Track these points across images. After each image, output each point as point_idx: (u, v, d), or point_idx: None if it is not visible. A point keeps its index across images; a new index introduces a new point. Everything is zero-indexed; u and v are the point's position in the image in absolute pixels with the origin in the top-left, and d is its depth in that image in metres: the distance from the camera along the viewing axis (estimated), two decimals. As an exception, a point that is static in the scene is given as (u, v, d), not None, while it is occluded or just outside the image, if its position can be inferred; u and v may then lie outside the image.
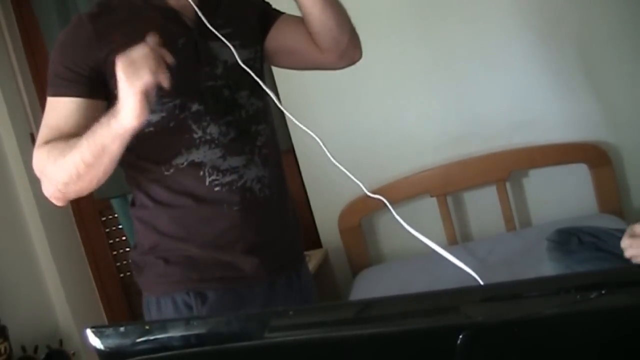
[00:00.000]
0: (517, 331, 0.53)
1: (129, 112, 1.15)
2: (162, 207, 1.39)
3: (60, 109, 1.31)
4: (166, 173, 1.36)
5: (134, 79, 1.13)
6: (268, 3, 1.55)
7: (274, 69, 2.56)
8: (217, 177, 1.36)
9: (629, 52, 2.46)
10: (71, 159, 1.23)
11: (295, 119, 1.23)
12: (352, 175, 1.11)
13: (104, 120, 1.21)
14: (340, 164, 1.12)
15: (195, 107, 1.34)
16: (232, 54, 1.33)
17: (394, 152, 2.63)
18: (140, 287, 1.47)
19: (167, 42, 1.32)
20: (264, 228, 1.42)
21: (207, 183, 1.36)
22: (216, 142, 1.36)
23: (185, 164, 1.35)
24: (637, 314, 0.52)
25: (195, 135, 1.35)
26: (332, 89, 2.62)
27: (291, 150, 2.67)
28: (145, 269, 1.43)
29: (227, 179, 1.37)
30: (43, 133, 1.31)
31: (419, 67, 2.59)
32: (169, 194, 1.38)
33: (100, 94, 1.31)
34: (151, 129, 1.32)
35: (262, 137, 1.42)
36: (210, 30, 1.33)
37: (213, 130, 1.35)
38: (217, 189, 1.36)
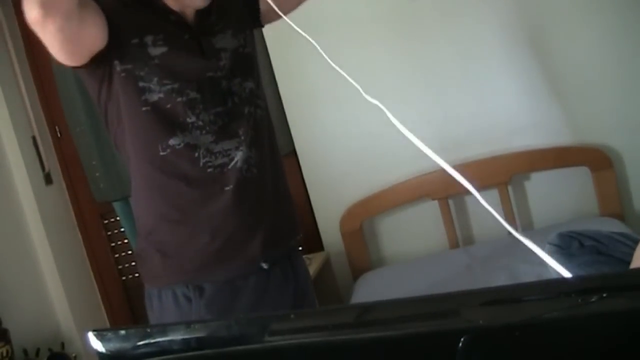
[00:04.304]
0: (518, 335, 0.53)
1: None
2: (156, 189, 1.44)
3: None
4: (162, 153, 1.40)
5: None
6: None
7: (276, 71, 2.58)
8: (210, 159, 1.42)
9: (630, 54, 2.46)
10: None
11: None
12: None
13: None
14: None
15: (192, 94, 1.40)
16: (231, 41, 1.44)
17: (395, 155, 2.63)
18: (143, 279, 1.52)
19: (174, 35, 1.40)
20: (257, 208, 1.47)
21: (200, 164, 1.41)
22: (207, 128, 1.41)
23: (182, 144, 1.40)
24: (638, 318, 0.52)
25: (189, 120, 1.40)
26: (334, 92, 2.62)
27: (293, 153, 2.67)
28: (147, 261, 1.48)
29: (219, 161, 1.42)
30: None
31: (420, 70, 2.59)
32: (163, 176, 1.42)
33: (102, 16, 1.30)
34: (148, 107, 1.37)
35: (253, 117, 1.48)
36: (210, 27, 1.42)
37: (204, 118, 1.41)
38: (209, 170, 1.42)
